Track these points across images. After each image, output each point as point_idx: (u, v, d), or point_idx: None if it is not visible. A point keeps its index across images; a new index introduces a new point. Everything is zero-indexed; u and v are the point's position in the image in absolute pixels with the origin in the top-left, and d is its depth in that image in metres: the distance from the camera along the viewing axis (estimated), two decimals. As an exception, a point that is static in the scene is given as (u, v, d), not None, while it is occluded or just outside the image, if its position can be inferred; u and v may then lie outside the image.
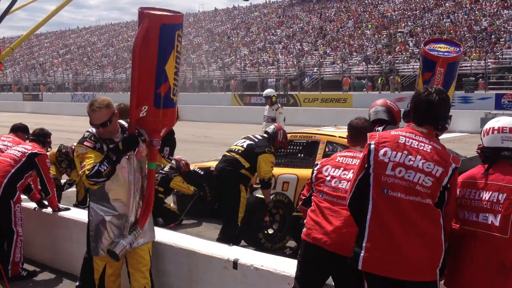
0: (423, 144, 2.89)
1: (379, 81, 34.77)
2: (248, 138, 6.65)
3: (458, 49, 4.17)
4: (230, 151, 6.56)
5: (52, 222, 5.86)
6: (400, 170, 2.81)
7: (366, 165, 2.88)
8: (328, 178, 3.53)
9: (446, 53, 4.02)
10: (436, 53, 4.03)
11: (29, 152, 5.63)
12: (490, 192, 2.75)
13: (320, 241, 3.35)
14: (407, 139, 2.90)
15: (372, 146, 2.90)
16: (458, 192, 2.89)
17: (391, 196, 2.80)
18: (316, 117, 25.14)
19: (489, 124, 2.94)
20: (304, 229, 3.50)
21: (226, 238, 6.03)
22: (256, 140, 6.53)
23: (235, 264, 4.10)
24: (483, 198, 2.78)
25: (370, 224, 2.82)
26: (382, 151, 2.86)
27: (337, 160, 3.62)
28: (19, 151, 5.66)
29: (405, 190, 2.79)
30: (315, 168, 3.70)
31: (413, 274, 2.78)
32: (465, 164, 5.19)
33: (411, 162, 2.82)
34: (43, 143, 6.08)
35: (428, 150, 2.86)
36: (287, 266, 3.80)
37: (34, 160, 5.61)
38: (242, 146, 6.48)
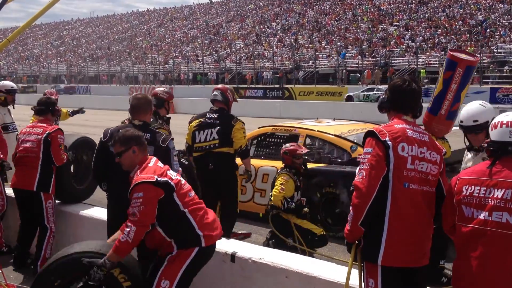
0: (422, 135, 3.02)
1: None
2: None
3: (475, 59, 4.93)
4: None
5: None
6: (417, 163, 2.93)
7: (386, 162, 2.91)
8: None
9: (466, 58, 4.75)
10: (458, 56, 4.74)
11: (42, 137, 5.17)
12: (503, 190, 2.61)
13: None
14: (411, 131, 2.99)
15: (389, 142, 2.92)
16: (465, 190, 2.75)
17: (410, 189, 2.91)
18: (312, 110, 25.09)
19: (498, 118, 2.82)
20: None
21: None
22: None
23: (232, 257, 4.10)
24: (496, 196, 2.63)
25: (390, 219, 2.89)
26: (400, 146, 2.92)
27: None
28: (33, 140, 5.19)
29: (420, 181, 2.93)
30: None
31: (424, 260, 2.98)
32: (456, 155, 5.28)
33: (423, 154, 2.96)
34: (52, 113, 5.48)
35: (428, 140, 3.02)
36: (285, 259, 3.82)
37: (48, 141, 5.16)
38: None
